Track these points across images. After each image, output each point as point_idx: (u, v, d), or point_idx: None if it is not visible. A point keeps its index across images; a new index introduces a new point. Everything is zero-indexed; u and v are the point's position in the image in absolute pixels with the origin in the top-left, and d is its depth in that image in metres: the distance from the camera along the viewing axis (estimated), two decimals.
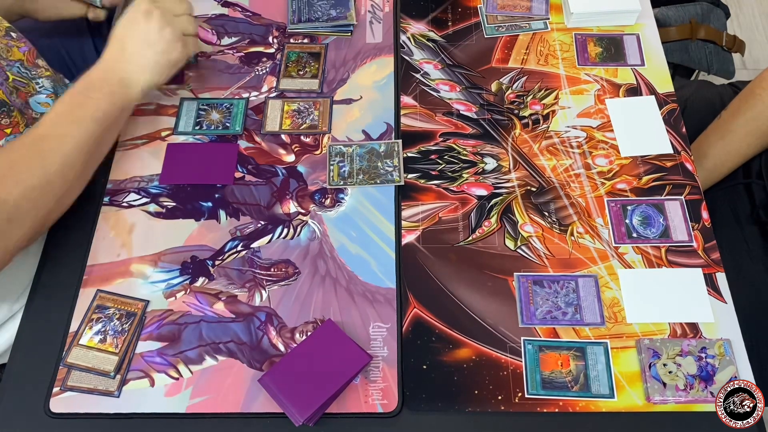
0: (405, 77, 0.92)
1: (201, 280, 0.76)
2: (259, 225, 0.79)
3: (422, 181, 0.82)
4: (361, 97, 0.90)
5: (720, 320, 0.72)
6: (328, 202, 0.81)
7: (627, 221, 0.79)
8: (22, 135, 0.71)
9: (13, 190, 0.66)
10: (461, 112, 0.88)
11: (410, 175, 0.83)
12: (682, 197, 0.80)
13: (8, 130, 0.77)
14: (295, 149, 0.85)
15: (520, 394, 0.68)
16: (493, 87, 0.90)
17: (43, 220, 0.71)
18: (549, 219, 0.79)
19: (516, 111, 0.88)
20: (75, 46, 1.10)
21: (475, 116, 0.88)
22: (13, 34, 0.83)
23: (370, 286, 0.75)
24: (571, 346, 0.70)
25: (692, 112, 1.08)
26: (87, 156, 0.73)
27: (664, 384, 0.67)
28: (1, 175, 0.67)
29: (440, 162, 0.84)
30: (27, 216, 0.68)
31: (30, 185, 0.67)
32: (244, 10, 1.00)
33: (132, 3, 0.78)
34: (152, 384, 0.69)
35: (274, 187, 0.82)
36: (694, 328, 0.71)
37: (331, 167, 0.83)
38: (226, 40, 0.96)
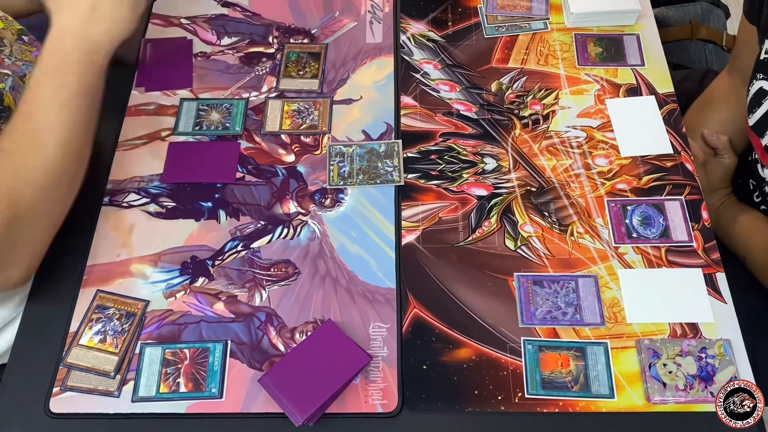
0: (405, 77, 0.92)
1: (201, 280, 0.76)
2: (259, 225, 0.79)
3: (422, 181, 0.82)
4: (361, 97, 0.90)
5: (720, 320, 0.72)
6: (328, 202, 0.81)
7: (627, 221, 0.79)
8: (11, 130, 0.68)
9: (25, 193, 0.66)
10: (461, 112, 0.88)
11: (410, 175, 0.83)
12: (682, 197, 0.80)
13: None
14: (295, 149, 0.85)
15: (520, 394, 0.68)
16: (493, 87, 0.90)
17: (59, 215, 0.70)
18: (549, 219, 0.79)
19: (516, 111, 0.88)
20: None
21: (475, 116, 0.88)
22: (24, 38, 0.82)
23: (370, 286, 0.75)
24: (571, 346, 0.70)
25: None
26: (85, 133, 0.71)
27: (664, 384, 0.67)
28: (9, 181, 0.65)
29: (440, 162, 0.84)
30: (44, 216, 0.68)
31: (40, 184, 0.67)
32: (244, 10, 1.00)
33: None
34: None
35: (274, 187, 0.82)
36: (694, 328, 0.71)
37: (331, 167, 0.83)
38: (226, 40, 0.96)
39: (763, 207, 0.89)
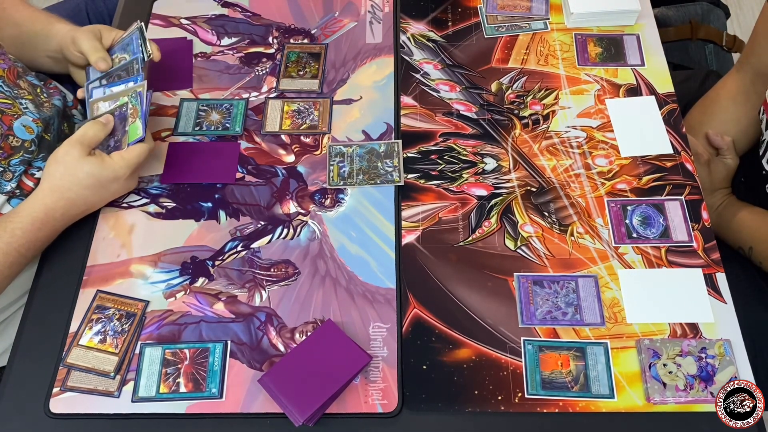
0: (405, 77, 0.92)
1: (201, 280, 0.76)
2: (259, 225, 0.79)
3: (422, 181, 0.82)
4: (361, 98, 0.90)
5: (720, 320, 0.72)
6: (328, 202, 0.81)
7: (627, 221, 0.78)
8: None
9: None
10: (461, 112, 0.88)
11: (410, 176, 0.83)
12: (682, 197, 0.80)
13: None
14: (295, 149, 0.85)
15: (520, 395, 0.68)
16: (493, 87, 0.90)
17: None
18: (549, 219, 0.79)
19: (516, 111, 0.88)
20: None
21: (475, 116, 0.88)
22: None
23: (370, 286, 0.75)
24: (571, 346, 0.70)
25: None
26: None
27: (664, 384, 0.67)
28: None
29: (440, 162, 0.84)
30: None
31: None
32: (244, 10, 1.00)
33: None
34: None
35: (274, 188, 0.82)
36: (694, 328, 0.71)
37: (331, 167, 0.83)
38: (226, 41, 0.96)
39: None
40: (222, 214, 0.80)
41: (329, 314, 0.73)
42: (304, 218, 0.80)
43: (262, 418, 0.67)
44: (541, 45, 0.94)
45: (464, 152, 0.85)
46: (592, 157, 0.84)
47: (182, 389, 0.68)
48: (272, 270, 0.76)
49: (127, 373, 0.70)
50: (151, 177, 0.83)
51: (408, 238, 0.78)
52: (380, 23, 0.97)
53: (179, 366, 0.70)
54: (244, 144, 0.86)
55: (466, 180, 0.82)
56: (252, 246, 0.78)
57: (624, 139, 0.85)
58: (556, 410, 0.67)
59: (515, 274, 0.75)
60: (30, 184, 0.80)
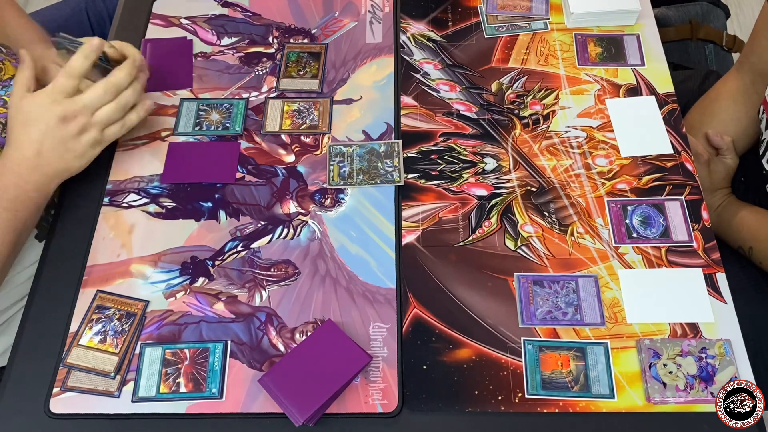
0: (405, 77, 0.92)
1: (201, 280, 0.76)
2: (259, 225, 0.79)
3: (422, 181, 0.82)
4: (361, 97, 0.90)
5: (720, 320, 0.72)
6: (328, 202, 0.81)
7: (627, 221, 0.79)
8: None
9: None
10: (461, 112, 0.88)
11: (410, 175, 0.83)
12: (683, 197, 0.80)
13: None
14: (295, 149, 0.85)
15: (520, 395, 0.68)
16: (493, 87, 0.90)
17: None
18: (549, 219, 0.79)
19: (516, 111, 0.88)
20: None
21: (475, 116, 0.88)
22: (2, 49, 0.81)
23: (370, 286, 0.75)
24: (571, 346, 0.70)
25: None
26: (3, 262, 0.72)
27: (664, 384, 0.67)
28: None
29: (440, 162, 0.84)
30: None
31: None
32: (244, 10, 1.00)
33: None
34: None
35: (274, 188, 0.82)
36: (694, 328, 0.71)
37: (331, 167, 0.83)
38: (226, 40, 0.96)
39: None
40: (222, 214, 0.80)
41: (329, 314, 0.73)
42: (304, 218, 0.80)
43: (262, 418, 0.67)
44: (541, 45, 0.94)
45: (464, 152, 0.85)
46: (592, 157, 0.84)
47: (182, 389, 0.68)
48: (272, 270, 0.76)
49: (127, 373, 0.70)
50: (151, 177, 0.83)
51: (408, 238, 0.78)
52: (380, 23, 0.97)
53: (179, 366, 0.70)
54: (244, 144, 0.86)
55: (466, 180, 0.82)
56: (252, 246, 0.78)
57: (624, 139, 0.85)
58: (556, 410, 0.67)
59: (515, 274, 0.75)
60: None
